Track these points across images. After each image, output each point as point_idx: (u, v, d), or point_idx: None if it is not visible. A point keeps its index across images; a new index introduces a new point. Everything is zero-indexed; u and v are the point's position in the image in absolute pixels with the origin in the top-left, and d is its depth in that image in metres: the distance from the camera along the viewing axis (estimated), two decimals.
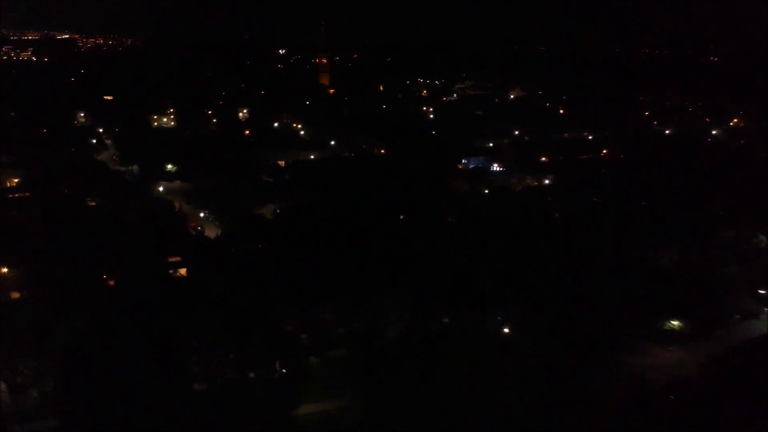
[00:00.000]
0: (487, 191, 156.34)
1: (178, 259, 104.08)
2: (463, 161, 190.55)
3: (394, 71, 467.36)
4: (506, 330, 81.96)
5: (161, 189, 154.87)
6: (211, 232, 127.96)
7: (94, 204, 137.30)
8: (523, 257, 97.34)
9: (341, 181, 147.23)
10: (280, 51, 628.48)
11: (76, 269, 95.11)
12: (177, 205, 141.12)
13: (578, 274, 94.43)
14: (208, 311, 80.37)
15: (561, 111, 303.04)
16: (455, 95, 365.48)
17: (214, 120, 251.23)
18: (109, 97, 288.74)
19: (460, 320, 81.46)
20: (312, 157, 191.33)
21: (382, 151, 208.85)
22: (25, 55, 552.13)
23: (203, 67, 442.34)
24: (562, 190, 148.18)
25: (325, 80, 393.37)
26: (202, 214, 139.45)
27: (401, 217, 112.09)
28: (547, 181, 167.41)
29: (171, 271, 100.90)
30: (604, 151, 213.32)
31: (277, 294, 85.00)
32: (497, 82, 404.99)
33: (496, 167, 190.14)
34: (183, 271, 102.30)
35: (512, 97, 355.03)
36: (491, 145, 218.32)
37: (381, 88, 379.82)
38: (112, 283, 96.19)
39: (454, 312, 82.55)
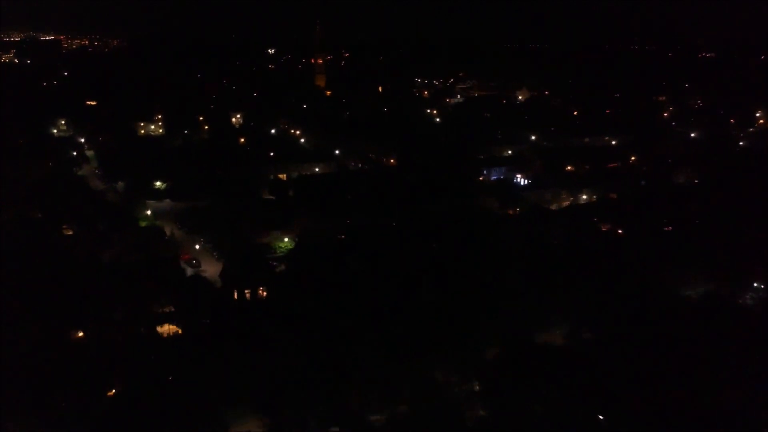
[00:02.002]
0: (519, 209, 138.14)
1: (170, 309, 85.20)
2: (484, 172, 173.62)
3: (391, 71, 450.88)
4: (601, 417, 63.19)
5: (149, 212, 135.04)
6: (209, 267, 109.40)
7: (71, 233, 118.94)
8: (598, 308, 78.96)
9: (356, 202, 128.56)
10: (270, 51, 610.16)
11: (44, 322, 77.43)
12: (168, 231, 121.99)
13: (668, 325, 76.10)
14: (204, 391, 61.97)
15: (575, 113, 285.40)
16: (459, 96, 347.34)
17: (206, 126, 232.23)
18: (93, 103, 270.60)
19: (541, 403, 62.53)
20: (317, 170, 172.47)
21: (392, 161, 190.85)
22: (7, 57, 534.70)
23: (192, 68, 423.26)
24: (611, 210, 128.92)
25: (321, 82, 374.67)
26: (197, 246, 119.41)
27: (440, 254, 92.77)
28: (584, 197, 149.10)
29: (160, 328, 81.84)
30: (633, 158, 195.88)
31: (294, 365, 66.13)
32: (500, 81, 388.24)
33: (519, 178, 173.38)
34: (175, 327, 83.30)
35: (520, 98, 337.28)
36: (510, 153, 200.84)
37: (380, 90, 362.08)
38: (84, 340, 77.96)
39: (530, 392, 63.46)
